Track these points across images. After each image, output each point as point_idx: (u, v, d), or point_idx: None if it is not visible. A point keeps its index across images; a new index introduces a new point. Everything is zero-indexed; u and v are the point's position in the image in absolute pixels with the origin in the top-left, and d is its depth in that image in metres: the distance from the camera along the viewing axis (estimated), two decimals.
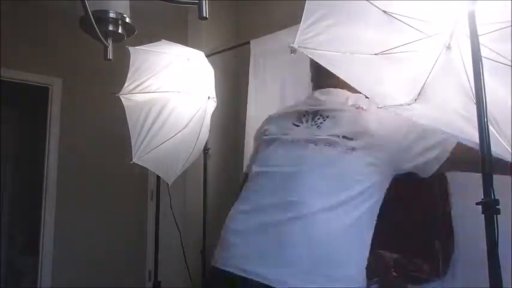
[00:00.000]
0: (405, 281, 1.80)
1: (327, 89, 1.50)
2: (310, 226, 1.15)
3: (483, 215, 1.10)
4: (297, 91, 2.50)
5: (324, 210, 1.17)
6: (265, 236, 1.18)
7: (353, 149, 1.23)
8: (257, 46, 2.76)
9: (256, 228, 1.22)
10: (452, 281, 1.76)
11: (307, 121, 1.36)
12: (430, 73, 1.46)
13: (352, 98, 1.42)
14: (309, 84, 2.46)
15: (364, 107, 1.35)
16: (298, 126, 1.36)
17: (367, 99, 1.40)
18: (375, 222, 1.29)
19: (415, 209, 1.90)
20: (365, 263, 1.26)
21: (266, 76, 2.67)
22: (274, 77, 2.62)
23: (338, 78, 1.35)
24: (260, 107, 2.67)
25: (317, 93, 1.51)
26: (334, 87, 1.47)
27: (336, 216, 1.18)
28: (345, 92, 1.45)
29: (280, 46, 2.60)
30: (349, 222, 1.19)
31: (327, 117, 1.34)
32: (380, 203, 1.30)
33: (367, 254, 1.27)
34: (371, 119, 1.31)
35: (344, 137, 1.25)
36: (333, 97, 1.45)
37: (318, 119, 1.35)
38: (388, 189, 1.98)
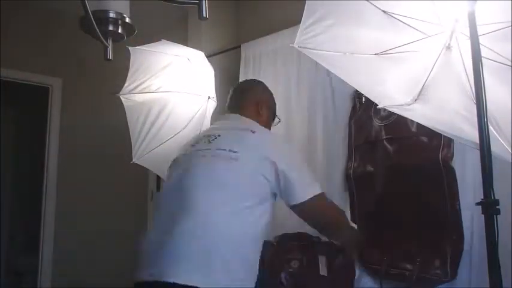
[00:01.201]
0: (416, 283, 1.80)
1: (227, 115, 1.71)
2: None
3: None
4: (286, 93, 2.51)
5: (208, 212, 1.34)
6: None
7: (236, 159, 1.40)
8: (248, 49, 2.77)
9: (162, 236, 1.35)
10: (466, 283, 1.74)
11: (201, 141, 1.54)
12: (430, 73, 1.46)
13: (248, 123, 1.61)
14: (298, 85, 2.50)
15: (255, 131, 1.53)
16: (193, 146, 1.54)
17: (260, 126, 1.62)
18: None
19: (422, 206, 1.89)
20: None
21: (256, 79, 2.68)
22: (265, 79, 2.63)
23: (244, 102, 1.70)
24: None
25: (220, 119, 1.74)
26: (240, 114, 1.66)
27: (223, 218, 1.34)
28: (242, 118, 1.63)
29: (270, 49, 2.62)
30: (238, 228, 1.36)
31: (218, 135, 1.51)
32: (267, 213, 1.43)
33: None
34: (259, 139, 1.51)
35: (230, 150, 1.42)
36: (231, 121, 1.64)
37: (211, 137, 1.52)
38: (394, 186, 1.99)
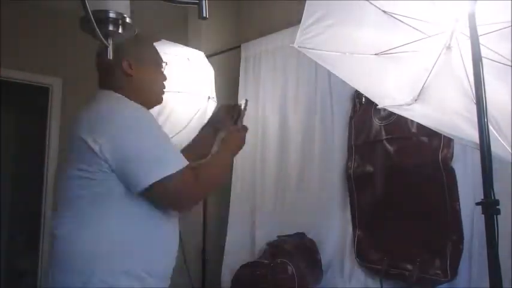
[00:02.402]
0: (416, 283, 1.80)
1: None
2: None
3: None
4: (286, 93, 2.51)
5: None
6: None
7: (66, 160, 1.22)
8: (248, 49, 2.78)
9: None
10: (466, 283, 1.74)
11: None
12: (430, 73, 1.46)
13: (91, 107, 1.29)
14: (298, 85, 2.51)
15: (76, 117, 1.25)
16: None
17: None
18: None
19: (422, 206, 1.89)
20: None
21: (256, 79, 2.69)
22: (264, 79, 2.64)
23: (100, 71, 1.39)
24: (249, 109, 2.69)
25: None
26: (102, 87, 1.37)
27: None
28: (93, 99, 1.34)
29: (270, 49, 2.62)
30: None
31: None
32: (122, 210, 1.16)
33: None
34: (77, 124, 1.22)
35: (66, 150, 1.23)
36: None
37: None
38: (394, 186, 1.99)
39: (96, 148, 1.11)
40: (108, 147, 1.11)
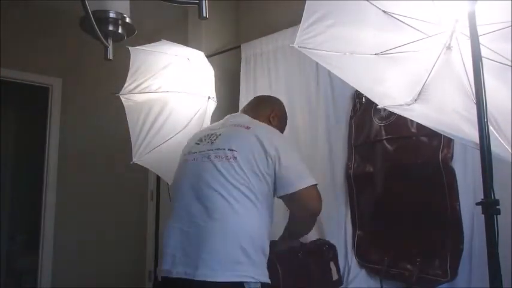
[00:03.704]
0: (416, 283, 1.79)
1: (236, 113, 1.80)
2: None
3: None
4: (286, 93, 2.51)
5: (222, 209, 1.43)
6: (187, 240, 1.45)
7: (235, 158, 1.47)
8: (248, 49, 2.78)
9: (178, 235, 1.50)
10: (466, 283, 1.74)
11: (204, 139, 1.61)
12: (430, 73, 1.46)
13: (247, 121, 1.65)
14: (299, 85, 2.51)
15: (250, 126, 1.57)
16: (198, 144, 1.61)
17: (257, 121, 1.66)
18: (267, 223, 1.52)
19: (422, 206, 1.89)
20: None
21: (257, 79, 2.69)
22: (265, 79, 2.64)
23: (257, 108, 1.79)
24: None
25: (228, 117, 1.77)
26: (246, 113, 1.75)
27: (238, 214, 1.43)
28: (245, 117, 1.71)
29: (270, 49, 2.62)
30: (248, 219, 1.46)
31: (219, 134, 1.58)
32: (269, 208, 1.51)
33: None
34: (254, 134, 1.52)
35: (229, 149, 1.49)
36: (234, 120, 1.69)
37: (213, 136, 1.59)
38: (394, 186, 1.99)
39: (272, 156, 1.48)
40: (279, 155, 1.49)
